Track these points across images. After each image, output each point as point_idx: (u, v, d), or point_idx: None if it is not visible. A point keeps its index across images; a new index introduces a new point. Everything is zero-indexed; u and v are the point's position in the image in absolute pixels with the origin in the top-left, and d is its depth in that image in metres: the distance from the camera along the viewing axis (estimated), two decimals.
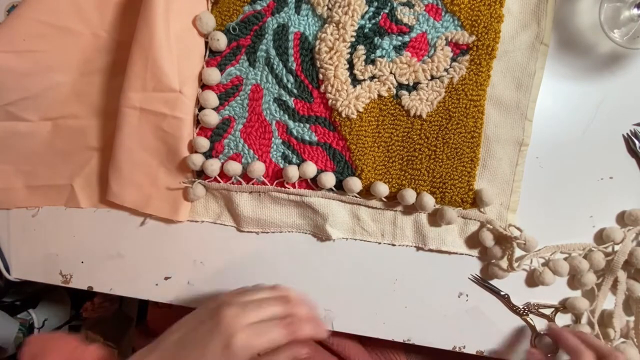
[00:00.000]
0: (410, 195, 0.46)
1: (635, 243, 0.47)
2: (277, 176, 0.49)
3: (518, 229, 0.46)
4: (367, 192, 0.48)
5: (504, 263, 0.47)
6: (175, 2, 0.45)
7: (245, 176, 0.49)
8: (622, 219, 0.47)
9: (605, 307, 0.47)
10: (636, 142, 0.47)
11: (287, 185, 0.49)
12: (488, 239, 0.46)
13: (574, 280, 0.48)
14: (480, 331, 0.49)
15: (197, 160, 0.48)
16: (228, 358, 0.33)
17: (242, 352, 0.33)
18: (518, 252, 0.46)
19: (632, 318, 0.47)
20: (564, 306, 0.48)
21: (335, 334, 0.52)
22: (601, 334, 0.47)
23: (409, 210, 0.49)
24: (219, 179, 0.49)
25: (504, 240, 0.46)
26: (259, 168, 0.48)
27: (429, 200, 0.46)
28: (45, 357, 0.43)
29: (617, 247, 0.46)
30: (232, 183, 0.49)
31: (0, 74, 0.47)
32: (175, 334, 0.36)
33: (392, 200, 0.48)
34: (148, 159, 0.49)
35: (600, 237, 0.48)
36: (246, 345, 0.33)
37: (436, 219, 0.48)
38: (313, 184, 0.49)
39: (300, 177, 0.48)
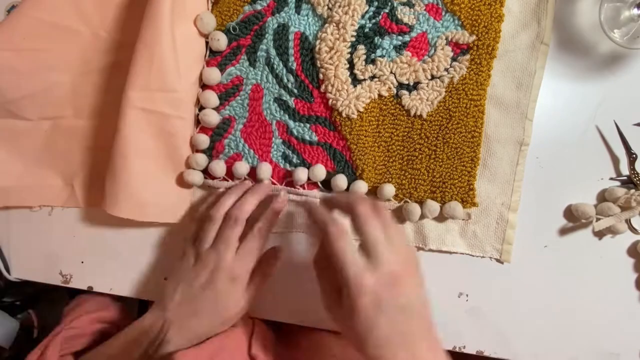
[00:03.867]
0: (415, 212, 0.47)
1: None
2: (278, 176, 0.49)
3: None
4: (368, 193, 0.48)
5: None
6: (178, 2, 0.45)
7: (252, 176, 0.49)
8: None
9: None
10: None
11: (296, 187, 0.49)
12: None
13: None
14: (480, 331, 0.49)
15: (201, 160, 0.48)
16: (235, 286, 0.41)
17: (242, 274, 0.42)
18: None
19: None
20: None
21: (336, 337, 0.52)
22: None
23: None
24: (227, 178, 0.49)
25: None
26: (266, 169, 0.48)
27: (435, 206, 0.47)
28: (75, 321, 0.50)
29: None
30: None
31: None
32: (177, 294, 0.42)
33: (398, 201, 0.48)
34: (147, 164, 0.47)
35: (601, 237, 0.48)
36: (243, 267, 0.42)
37: (442, 212, 0.48)
38: (317, 185, 0.49)
39: (309, 179, 0.48)
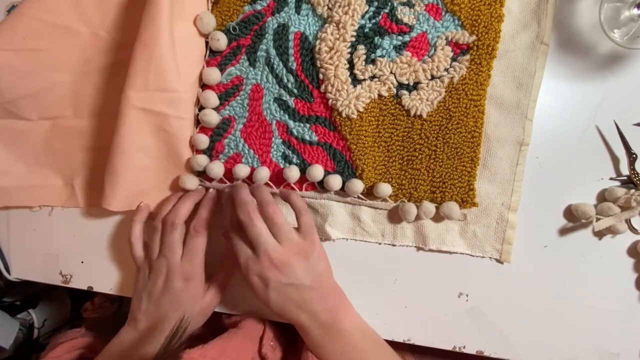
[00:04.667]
0: (411, 213, 0.47)
1: None
2: (278, 176, 0.49)
3: None
4: (367, 193, 0.48)
5: None
6: (178, 2, 0.45)
7: (250, 177, 0.49)
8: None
9: None
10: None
11: (293, 187, 0.49)
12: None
13: None
14: (480, 331, 0.49)
15: (202, 161, 0.48)
16: (191, 284, 0.45)
17: (195, 272, 0.45)
18: None
19: None
20: None
21: None
22: None
23: None
24: (224, 179, 0.49)
25: None
26: (263, 175, 0.48)
27: (431, 208, 0.47)
28: (55, 349, 0.50)
29: None
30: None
31: None
32: (142, 303, 0.46)
33: (394, 200, 0.48)
34: (146, 162, 0.48)
35: (601, 237, 0.48)
36: (193, 266, 0.45)
37: (439, 212, 0.48)
38: (318, 185, 0.49)
39: (307, 179, 0.48)
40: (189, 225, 0.45)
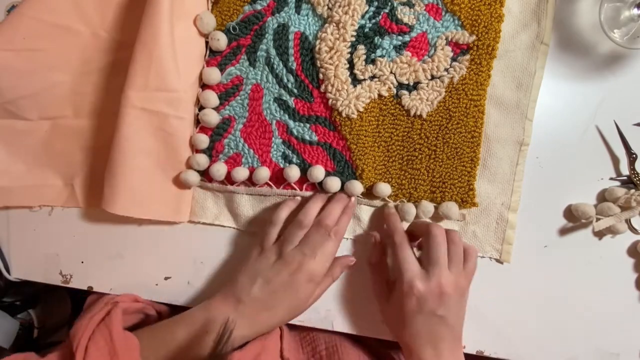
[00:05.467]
0: (410, 212, 0.47)
1: None
2: (277, 176, 0.49)
3: None
4: (367, 193, 0.48)
5: None
6: (178, 2, 0.45)
7: (249, 178, 0.49)
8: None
9: None
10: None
11: (293, 187, 0.49)
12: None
13: None
14: (480, 331, 0.49)
15: (202, 160, 0.48)
16: (311, 286, 0.44)
17: (321, 276, 0.44)
18: None
19: None
20: None
21: (333, 337, 0.52)
22: None
23: None
24: (225, 181, 0.49)
25: None
26: (263, 175, 0.48)
27: (429, 207, 0.47)
28: (118, 300, 0.47)
29: None
30: (238, 185, 0.49)
31: None
32: (255, 287, 0.43)
33: (394, 200, 0.48)
34: (146, 163, 0.47)
35: (601, 237, 0.48)
36: (322, 269, 0.44)
37: (438, 212, 0.48)
38: (318, 185, 0.49)
39: (307, 179, 0.48)
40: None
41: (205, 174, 0.50)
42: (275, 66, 0.49)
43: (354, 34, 0.47)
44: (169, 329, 0.43)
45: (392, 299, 0.44)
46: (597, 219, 0.46)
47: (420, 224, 0.46)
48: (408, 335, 0.42)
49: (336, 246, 0.45)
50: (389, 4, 0.47)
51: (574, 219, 0.48)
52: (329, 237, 0.44)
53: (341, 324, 0.50)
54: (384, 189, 0.47)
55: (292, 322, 0.47)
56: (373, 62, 0.48)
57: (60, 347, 0.42)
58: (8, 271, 0.54)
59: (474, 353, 0.49)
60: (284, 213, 0.47)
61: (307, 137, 0.49)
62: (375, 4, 0.47)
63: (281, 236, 0.46)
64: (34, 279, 0.54)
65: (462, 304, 0.43)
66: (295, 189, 0.49)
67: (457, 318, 0.43)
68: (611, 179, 0.48)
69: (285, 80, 0.49)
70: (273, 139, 0.49)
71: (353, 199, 0.48)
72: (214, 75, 0.48)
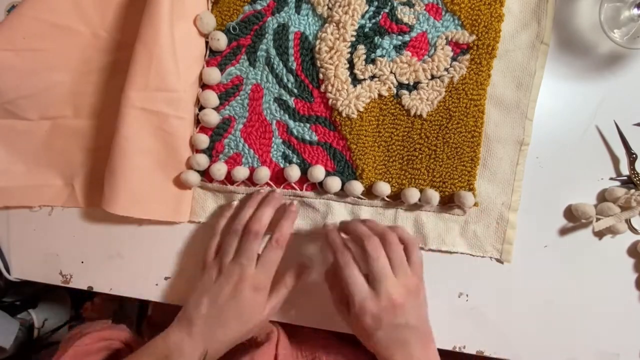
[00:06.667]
0: (413, 195, 0.46)
1: None
2: (277, 176, 0.49)
3: None
4: (368, 192, 0.48)
5: None
6: (178, 2, 0.45)
7: (249, 177, 0.49)
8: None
9: None
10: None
11: (294, 187, 0.49)
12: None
13: None
14: (480, 331, 0.49)
15: (202, 160, 0.48)
16: (258, 295, 0.43)
17: (266, 284, 0.44)
18: None
19: None
20: None
21: (330, 342, 0.52)
22: None
23: (410, 209, 0.49)
24: (225, 181, 0.49)
25: None
26: (264, 174, 0.48)
27: (434, 195, 0.46)
28: (82, 338, 0.49)
29: None
30: (238, 185, 0.50)
31: None
32: (202, 307, 0.43)
33: (394, 200, 0.48)
34: (146, 163, 0.47)
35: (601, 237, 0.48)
36: (266, 277, 0.44)
37: (443, 207, 0.48)
38: (318, 185, 0.49)
39: (307, 179, 0.48)
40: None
41: (205, 174, 0.50)
42: (275, 66, 0.49)
43: (354, 33, 0.47)
44: None
45: (351, 316, 0.42)
46: (597, 219, 0.46)
47: (353, 229, 0.44)
48: (375, 346, 0.41)
49: (275, 251, 0.44)
50: (389, 3, 0.47)
51: (574, 219, 0.48)
52: (270, 245, 0.43)
53: (341, 325, 0.50)
54: (383, 188, 0.47)
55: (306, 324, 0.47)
56: (373, 62, 0.48)
57: None
58: (8, 271, 0.54)
59: (474, 353, 0.49)
60: (220, 223, 0.48)
61: (307, 137, 0.49)
62: (375, 3, 0.47)
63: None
64: (34, 279, 0.54)
65: (419, 302, 0.42)
66: (295, 189, 0.49)
67: (419, 317, 0.42)
68: (611, 179, 0.48)
69: (285, 80, 0.49)
70: (273, 138, 0.49)
71: (295, 202, 0.47)
72: (214, 75, 0.48)
